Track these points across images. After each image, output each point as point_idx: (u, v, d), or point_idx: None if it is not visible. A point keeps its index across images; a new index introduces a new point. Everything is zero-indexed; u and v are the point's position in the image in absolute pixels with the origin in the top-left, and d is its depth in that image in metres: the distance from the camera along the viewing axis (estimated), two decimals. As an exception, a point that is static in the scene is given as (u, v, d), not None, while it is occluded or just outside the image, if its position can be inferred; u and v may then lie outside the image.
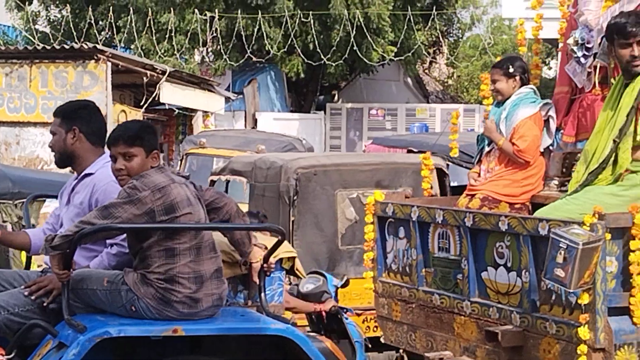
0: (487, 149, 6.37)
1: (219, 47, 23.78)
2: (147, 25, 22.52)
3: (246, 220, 5.08)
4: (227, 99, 21.84)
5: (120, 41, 23.13)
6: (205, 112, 20.37)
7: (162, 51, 22.69)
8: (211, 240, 4.66)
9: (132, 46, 23.18)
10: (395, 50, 23.87)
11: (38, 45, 17.97)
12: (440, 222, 5.65)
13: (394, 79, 29.95)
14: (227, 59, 23.27)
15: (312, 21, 22.84)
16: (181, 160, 13.78)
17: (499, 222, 5.17)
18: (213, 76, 23.14)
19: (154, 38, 22.78)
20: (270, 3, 22.90)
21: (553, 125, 6.29)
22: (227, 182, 9.53)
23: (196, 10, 22.84)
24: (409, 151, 10.80)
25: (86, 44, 17.04)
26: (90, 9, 23.08)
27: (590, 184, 5.17)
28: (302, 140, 14.06)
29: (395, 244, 6.16)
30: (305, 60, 23.46)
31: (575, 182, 5.31)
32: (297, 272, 5.63)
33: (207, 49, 23.81)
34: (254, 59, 23.75)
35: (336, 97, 28.77)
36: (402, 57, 24.42)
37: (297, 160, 8.58)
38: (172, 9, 22.70)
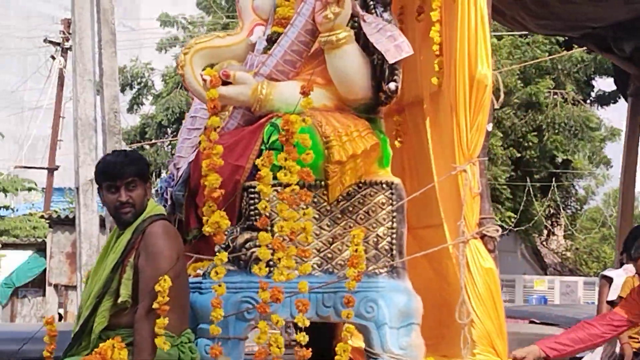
0: None
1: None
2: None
3: None
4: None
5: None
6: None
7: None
8: None
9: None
10: (516, 218, 23.49)
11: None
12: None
13: (509, 250, 29.70)
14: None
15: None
16: None
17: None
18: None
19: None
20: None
21: None
22: None
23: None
24: (531, 322, 10.69)
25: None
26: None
27: (74, 354, 4.26)
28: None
29: None
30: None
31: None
32: None
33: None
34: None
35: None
36: (522, 228, 24.19)
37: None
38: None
